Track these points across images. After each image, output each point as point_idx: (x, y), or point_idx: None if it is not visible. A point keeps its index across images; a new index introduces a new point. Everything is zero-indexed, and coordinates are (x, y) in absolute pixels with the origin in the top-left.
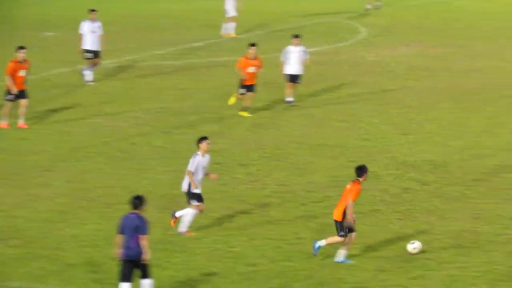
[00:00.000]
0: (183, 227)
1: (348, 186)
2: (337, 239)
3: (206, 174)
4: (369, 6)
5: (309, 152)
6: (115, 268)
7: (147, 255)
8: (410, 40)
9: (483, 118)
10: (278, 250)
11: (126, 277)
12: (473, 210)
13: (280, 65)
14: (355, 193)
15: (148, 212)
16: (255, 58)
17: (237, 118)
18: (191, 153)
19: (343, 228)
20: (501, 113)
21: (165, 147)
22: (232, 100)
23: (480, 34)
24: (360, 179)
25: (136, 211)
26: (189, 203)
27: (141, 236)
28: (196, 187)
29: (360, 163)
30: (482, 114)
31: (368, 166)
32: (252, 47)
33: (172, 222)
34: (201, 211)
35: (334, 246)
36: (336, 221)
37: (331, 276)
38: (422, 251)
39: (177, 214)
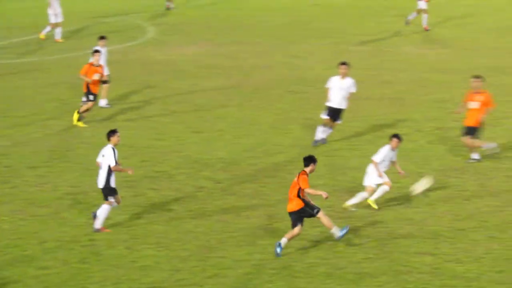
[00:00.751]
0: (98, 224)
1: (295, 179)
2: (295, 231)
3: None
4: (170, 4)
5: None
6: None
7: None
8: (199, 38)
9: (272, 114)
10: (71, 252)
11: None
12: (267, 207)
13: None
14: (303, 181)
15: None
16: (99, 65)
17: (27, 120)
18: None
19: (300, 218)
20: (289, 109)
21: None
22: (76, 120)
23: (268, 31)
24: (307, 169)
25: None
26: (105, 199)
27: None
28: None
29: (152, 162)
30: (271, 110)
31: (161, 165)
32: (96, 54)
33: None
34: (118, 202)
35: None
36: (290, 213)
37: (126, 277)
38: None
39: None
